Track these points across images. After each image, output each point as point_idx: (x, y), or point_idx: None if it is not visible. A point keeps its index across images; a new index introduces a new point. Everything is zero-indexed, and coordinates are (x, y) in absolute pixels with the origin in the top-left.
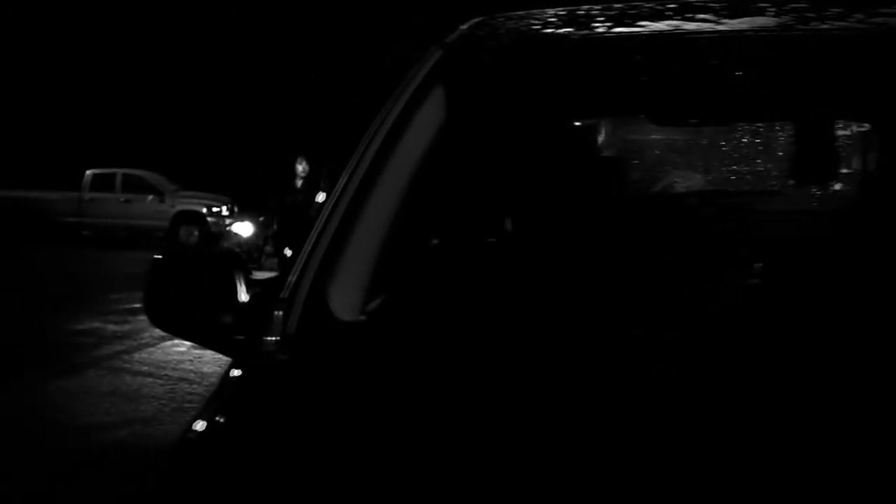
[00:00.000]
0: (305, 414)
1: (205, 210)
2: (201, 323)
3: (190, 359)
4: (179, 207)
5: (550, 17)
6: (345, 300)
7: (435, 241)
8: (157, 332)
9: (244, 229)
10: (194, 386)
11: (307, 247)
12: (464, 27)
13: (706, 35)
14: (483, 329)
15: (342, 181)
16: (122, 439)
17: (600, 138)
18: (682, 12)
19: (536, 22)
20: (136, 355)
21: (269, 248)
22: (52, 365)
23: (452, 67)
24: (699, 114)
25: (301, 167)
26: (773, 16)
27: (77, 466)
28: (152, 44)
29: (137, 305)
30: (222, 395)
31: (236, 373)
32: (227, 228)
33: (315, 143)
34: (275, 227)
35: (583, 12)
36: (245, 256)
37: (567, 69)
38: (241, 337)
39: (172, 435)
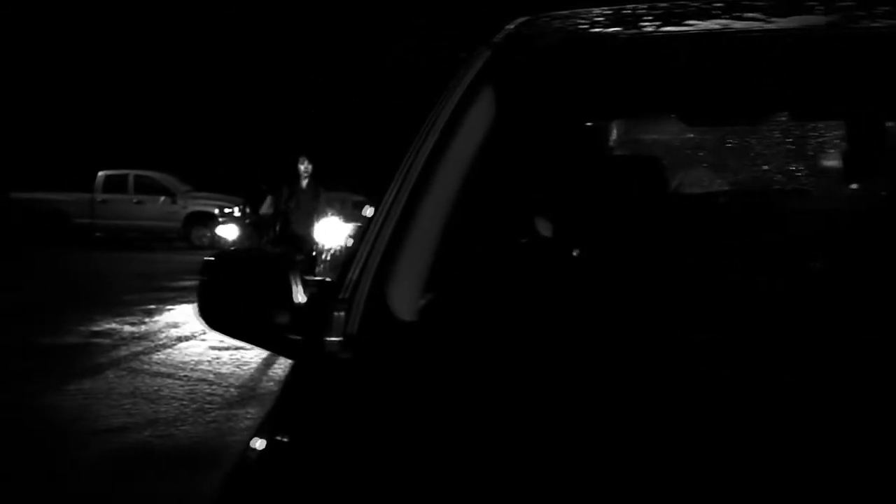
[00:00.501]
0: (376, 416)
1: (216, 211)
2: (257, 324)
3: (208, 360)
4: (191, 208)
5: (597, 17)
6: (405, 300)
7: (489, 241)
8: (174, 332)
9: (229, 232)
10: (214, 387)
11: (365, 247)
12: (510, 27)
13: (756, 33)
14: (540, 330)
15: (397, 180)
16: (145, 440)
17: (651, 137)
18: (730, 11)
19: (583, 22)
20: (154, 356)
21: (270, 249)
22: (71, 366)
23: (502, 68)
24: (750, 113)
25: (303, 166)
26: (822, 14)
27: (103, 468)
28: (162, 46)
29: (153, 306)
30: (290, 399)
31: (301, 375)
32: (212, 232)
33: (316, 142)
34: (276, 229)
35: (628, 11)
36: None
37: (617, 69)
38: (300, 338)
39: (195, 436)
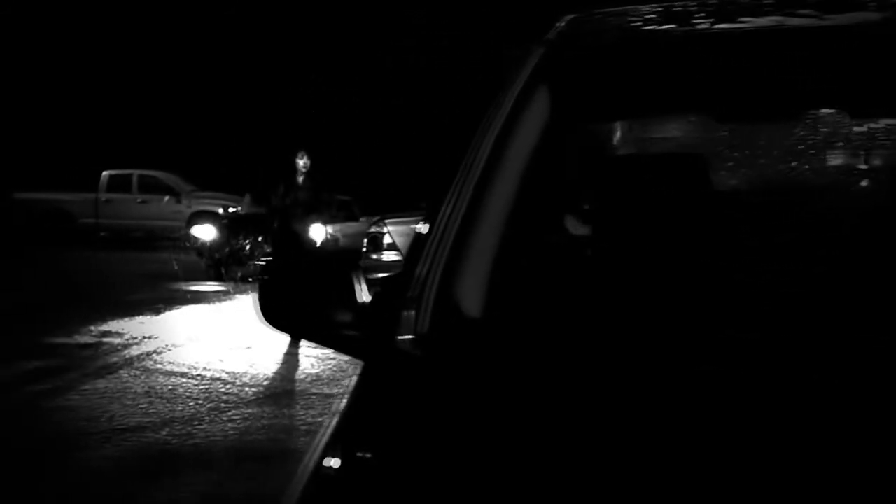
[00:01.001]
0: (463, 425)
1: (220, 210)
2: (320, 322)
3: (220, 359)
4: (196, 208)
5: (648, 14)
6: (475, 298)
7: (551, 238)
8: (184, 332)
9: (205, 233)
10: (228, 386)
11: (431, 245)
12: (560, 24)
13: (811, 30)
14: (604, 327)
15: (459, 179)
16: (163, 440)
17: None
18: (782, 7)
19: (635, 19)
20: (167, 355)
21: (267, 248)
22: (83, 366)
23: (558, 66)
24: (808, 110)
25: (302, 162)
26: (876, 10)
27: (125, 468)
28: (165, 46)
29: (160, 306)
30: (367, 408)
31: (375, 380)
32: (186, 231)
33: (316, 140)
34: (274, 226)
35: (679, 8)
36: (208, 262)
37: (673, 66)
38: (367, 337)
39: (213, 435)
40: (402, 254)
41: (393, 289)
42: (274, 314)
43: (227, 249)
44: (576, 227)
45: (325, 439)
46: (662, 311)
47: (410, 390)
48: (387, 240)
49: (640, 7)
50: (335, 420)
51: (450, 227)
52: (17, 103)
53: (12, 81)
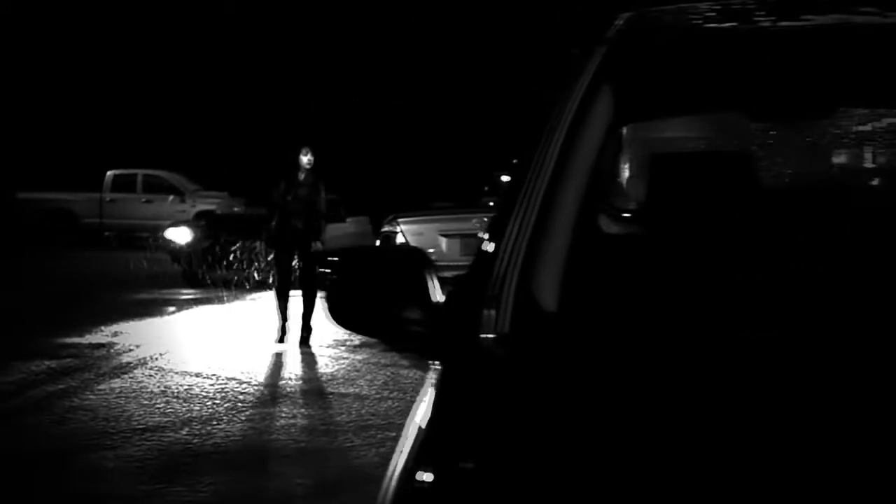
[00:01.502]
0: (559, 428)
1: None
2: (392, 322)
3: (233, 358)
4: (200, 207)
5: (708, 12)
6: (553, 296)
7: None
8: (195, 331)
9: (180, 235)
10: (244, 385)
11: (507, 243)
12: (619, 23)
13: (875, 28)
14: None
15: (530, 176)
16: (184, 440)
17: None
18: (842, 5)
19: (695, 17)
20: (179, 355)
21: (266, 249)
22: (97, 365)
23: (621, 64)
24: (876, 108)
25: (307, 158)
26: None
27: (148, 467)
28: (169, 46)
29: (170, 307)
30: (457, 414)
31: (460, 382)
32: (160, 234)
33: (319, 140)
34: (272, 225)
35: (738, 6)
36: (183, 268)
37: (737, 64)
38: (446, 336)
39: (233, 435)
40: None
41: (467, 288)
42: (343, 313)
43: (204, 254)
44: (609, 226)
45: (405, 451)
46: (733, 308)
47: (504, 394)
48: (399, 239)
49: (698, 4)
50: (413, 429)
51: (524, 225)
52: (21, 103)
53: (17, 81)
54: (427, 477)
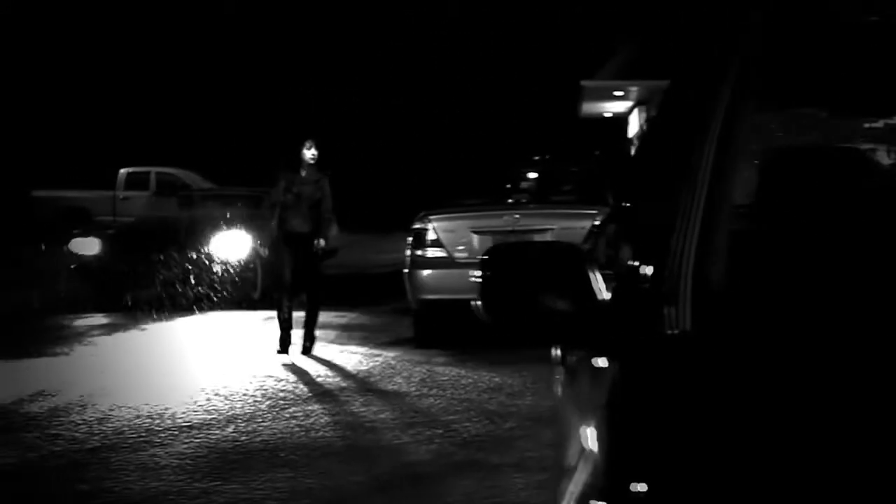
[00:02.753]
0: (766, 420)
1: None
2: (552, 317)
3: (268, 355)
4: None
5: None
6: (729, 292)
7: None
8: (224, 327)
9: (87, 247)
10: (282, 382)
11: (677, 240)
12: (757, 12)
13: None
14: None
15: (693, 171)
16: (231, 437)
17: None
18: None
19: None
20: (213, 351)
21: (263, 253)
22: (132, 361)
23: (767, 55)
24: None
25: (310, 153)
26: None
27: (198, 464)
28: (182, 44)
29: (200, 302)
30: (661, 417)
31: (649, 378)
32: (66, 247)
33: (328, 138)
34: (272, 226)
35: None
36: (93, 285)
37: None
38: (624, 334)
39: (279, 432)
40: (447, 250)
41: (634, 284)
42: (498, 309)
43: (120, 268)
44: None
45: (592, 459)
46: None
47: (708, 395)
48: (430, 236)
49: None
50: (600, 429)
51: (693, 220)
52: (35, 102)
53: (31, 80)
54: (643, 487)
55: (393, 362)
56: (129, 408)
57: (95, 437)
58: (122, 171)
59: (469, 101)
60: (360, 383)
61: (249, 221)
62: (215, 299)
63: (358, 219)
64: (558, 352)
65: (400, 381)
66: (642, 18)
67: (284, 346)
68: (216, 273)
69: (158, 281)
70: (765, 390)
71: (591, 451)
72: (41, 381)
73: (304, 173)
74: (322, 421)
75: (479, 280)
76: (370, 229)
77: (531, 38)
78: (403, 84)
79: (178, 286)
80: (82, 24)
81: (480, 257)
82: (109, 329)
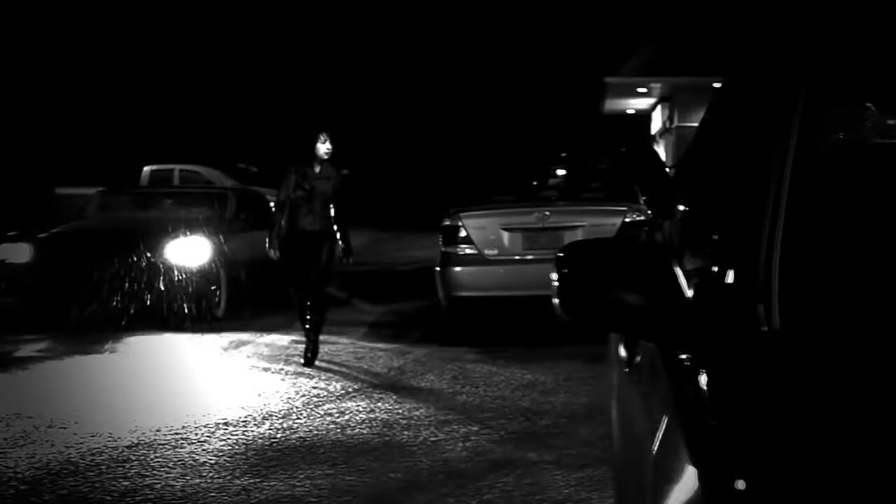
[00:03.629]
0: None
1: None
2: (635, 316)
3: (297, 353)
4: None
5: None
6: (818, 291)
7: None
8: (254, 325)
9: (16, 254)
10: (314, 380)
11: (764, 238)
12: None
13: None
14: None
15: (773, 169)
16: (267, 434)
17: None
18: None
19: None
20: (244, 350)
21: (273, 255)
22: (165, 359)
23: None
24: None
25: (325, 147)
26: None
27: (237, 461)
28: (205, 41)
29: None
30: (759, 413)
31: (744, 377)
32: None
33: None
34: (281, 225)
35: None
36: (16, 300)
37: None
38: (703, 330)
39: (315, 429)
40: (477, 247)
41: (717, 282)
42: (578, 309)
43: (55, 279)
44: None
45: (683, 458)
46: None
47: (804, 391)
48: (461, 233)
49: None
50: (676, 431)
51: (777, 218)
52: (58, 99)
53: (54, 77)
54: (743, 485)
55: (424, 359)
56: (163, 405)
57: (132, 435)
58: (146, 168)
59: (493, 97)
60: (393, 380)
61: (214, 224)
62: (167, 318)
63: (384, 216)
64: (623, 351)
65: (432, 378)
66: (665, 14)
67: (310, 355)
68: (169, 286)
69: (100, 295)
70: (859, 387)
71: (680, 449)
72: (74, 378)
73: (317, 168)
74: (357, 418)
75: (556, 278)
76: (395, 227)
77: (554, 34)
78: (428, 81)
79: (123, 300)
80: (106, 21)
81: (556, 255)
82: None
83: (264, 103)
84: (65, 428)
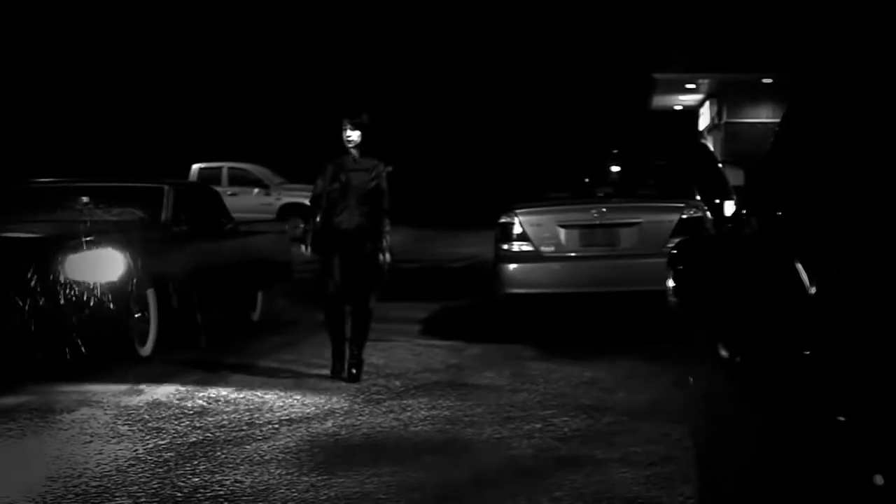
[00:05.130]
0: None
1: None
2: (755, 312)
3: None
4: (285, 200)
5: None
6: None
7: None
8: (309, 323)
9: None
10: (373, 377)
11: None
12: None
13: None
14: None
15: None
16: (331, 431)
17: None
18: None
19: None
20: (300, 347)
21: (305, 252)
22: (225, 357)
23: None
24: None
25: (347, 136)
26: None
27: (302, 457)
28: (254, 39)
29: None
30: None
31: (863, 377)
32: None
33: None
34: (315, 223)
35: None
36: None
37: None
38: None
39: (378, 427)
40: (533, 244)
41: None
42: (691, 300)
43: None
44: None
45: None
46: None
47: None
48: (517, 230)
49: None
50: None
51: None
52: (110, 97)
53: (105, 74)
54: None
55: (480, 356)
56: (226, 402)
57: (197, 431)
58: (195, 166)
59: (539, 94)
60: (451, 377)
61: (140, 229)
62: (69, 358)
63: (425, 215)
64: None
65: (490, 375)
66: (711, 11)
67: (338, 367)
68: (68, 316)
69: None
70: None
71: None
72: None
73: (353, 161)
74: (419, 415)
75: (671, 274)
76: (436, 225)
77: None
78: (477, 79)
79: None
80: (157, 18)
81: (670, 252)
82: None
83: (313, 100)
84: (129, 424)
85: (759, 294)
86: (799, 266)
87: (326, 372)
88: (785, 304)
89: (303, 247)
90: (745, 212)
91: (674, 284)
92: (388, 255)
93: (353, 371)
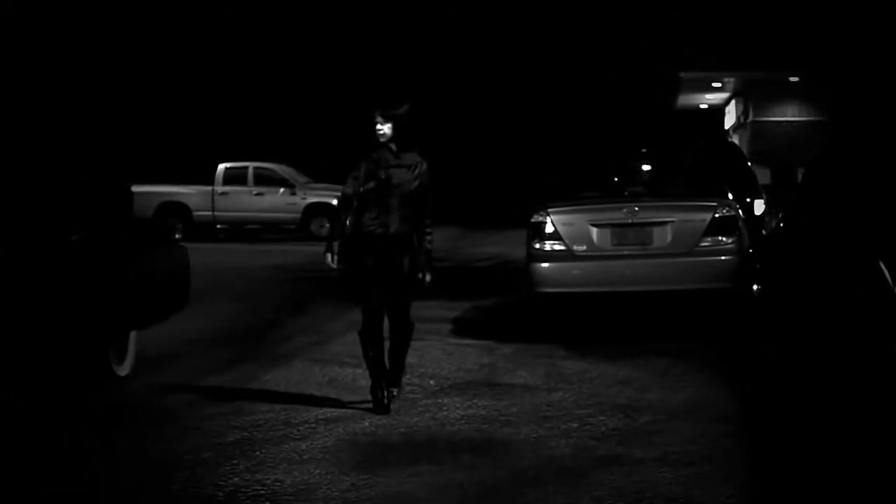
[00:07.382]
0: None
1: (335, 202)
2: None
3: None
4: (311, 199)
5: None
6: None
7: None
8: (337, 323)
9: None
10: (406, 377)
11: None
12: None
13: None
14: None
15: None
16: (369, 430)
17: None
18: None
19: None
20: (331, 347)
21: (332, 264)
22: (257, 356)
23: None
24: None
25: (386, 128)
26: None
27: (341, 456)
28: (279, 40)
29: (302, 298)
30: None
31: None
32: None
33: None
34: (345, 225)
35: None
36: None
37: None
38: None
39: (415, 426)
40: (565, 243)
41: None
42: (777, 299)
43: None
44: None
45: None
46: None
47: None
48: (548, 229)
49: None
50: None
51: None
52: (135, 97)
53: (133, 76)
54: None
55: (513, 356)
56: (261, 401)
57: (234, 430)
58: (221, 166)
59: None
60: (485, 377)
61: None
62: None
63: (452, 213)
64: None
65: (524, 374)
66: (740, 9)
67: (378, 402)
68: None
69: None
70: None
71: None
72: (167, 372)
73: (389, 157)
74: (455, 414)
75: (757, 268)
76: (464, 223)
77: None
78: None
79: None
80: (177, 25)
81: (749, 249)
82: None
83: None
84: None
85: (845, 292)
86: (882, 265)
87: (361, 370)
88: (870, 300)
89: (328, 256)
90: (795, 212)
91: (758, 284)
92: (429, 274)
93: (393, 391)
